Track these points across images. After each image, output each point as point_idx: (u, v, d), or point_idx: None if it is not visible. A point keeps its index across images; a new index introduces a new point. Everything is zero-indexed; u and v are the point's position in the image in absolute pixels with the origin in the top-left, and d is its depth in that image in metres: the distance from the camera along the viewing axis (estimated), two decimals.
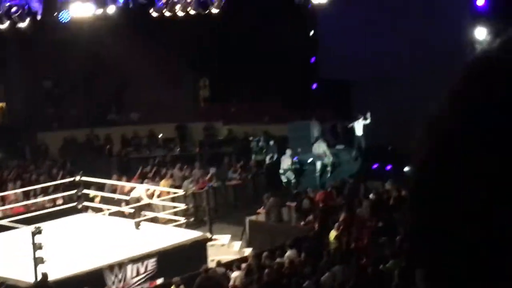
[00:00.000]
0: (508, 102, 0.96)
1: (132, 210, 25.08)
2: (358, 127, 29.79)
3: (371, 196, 24.13)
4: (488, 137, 0.97)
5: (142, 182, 27.41)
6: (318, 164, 29.16)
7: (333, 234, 21.07)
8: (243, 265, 20.08)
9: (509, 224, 0.95)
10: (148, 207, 25.89)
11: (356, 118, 29.85)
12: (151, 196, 26.11)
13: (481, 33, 26.22)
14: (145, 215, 24.90)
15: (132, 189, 26.66)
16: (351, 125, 30.12)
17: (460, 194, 0.98)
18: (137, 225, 23.87)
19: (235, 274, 19.51)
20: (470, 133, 0.99)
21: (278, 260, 20.03)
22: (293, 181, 29.16)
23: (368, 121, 29.34)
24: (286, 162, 29.35)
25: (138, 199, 25.36)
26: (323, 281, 17.62)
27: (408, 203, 1.07)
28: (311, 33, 33.36)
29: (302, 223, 24.09)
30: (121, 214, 25.51)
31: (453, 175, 0.99)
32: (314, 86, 33.88)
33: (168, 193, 27.08)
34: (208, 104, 38.44)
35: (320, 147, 29.23)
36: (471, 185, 0.97)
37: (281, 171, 29.41)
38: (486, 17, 26.38)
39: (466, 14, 28.14)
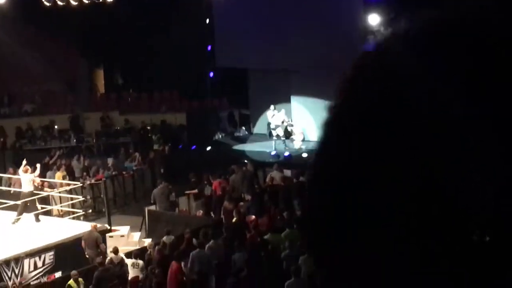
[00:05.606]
0: (385, 100, 0.95)
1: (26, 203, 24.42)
2: (274, 120, 30.00)
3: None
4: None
5: (44, 174, 26.82)
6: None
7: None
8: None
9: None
10: (44, 199, 25.40)
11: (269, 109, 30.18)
12: (40, 186, 25.54)
13: (374, 20, 26.62)
14: (41, 208, 24.40)
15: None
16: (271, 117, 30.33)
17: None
18: (37, 217, 23.42)
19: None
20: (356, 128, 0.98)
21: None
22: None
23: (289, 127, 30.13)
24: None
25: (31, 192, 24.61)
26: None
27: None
28: (207, 21, 33.29)
29: (201, 212, 24.00)
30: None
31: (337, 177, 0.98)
32: (211, 74, 33.86)
33: (64, 184, 26.65)
34: (104, 93, 37.94)
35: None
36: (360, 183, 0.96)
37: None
38: (379, 4, 26.74)
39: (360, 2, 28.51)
